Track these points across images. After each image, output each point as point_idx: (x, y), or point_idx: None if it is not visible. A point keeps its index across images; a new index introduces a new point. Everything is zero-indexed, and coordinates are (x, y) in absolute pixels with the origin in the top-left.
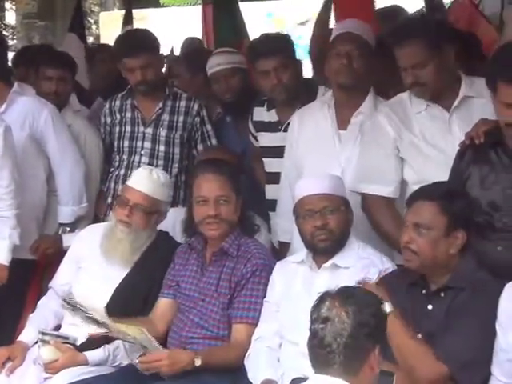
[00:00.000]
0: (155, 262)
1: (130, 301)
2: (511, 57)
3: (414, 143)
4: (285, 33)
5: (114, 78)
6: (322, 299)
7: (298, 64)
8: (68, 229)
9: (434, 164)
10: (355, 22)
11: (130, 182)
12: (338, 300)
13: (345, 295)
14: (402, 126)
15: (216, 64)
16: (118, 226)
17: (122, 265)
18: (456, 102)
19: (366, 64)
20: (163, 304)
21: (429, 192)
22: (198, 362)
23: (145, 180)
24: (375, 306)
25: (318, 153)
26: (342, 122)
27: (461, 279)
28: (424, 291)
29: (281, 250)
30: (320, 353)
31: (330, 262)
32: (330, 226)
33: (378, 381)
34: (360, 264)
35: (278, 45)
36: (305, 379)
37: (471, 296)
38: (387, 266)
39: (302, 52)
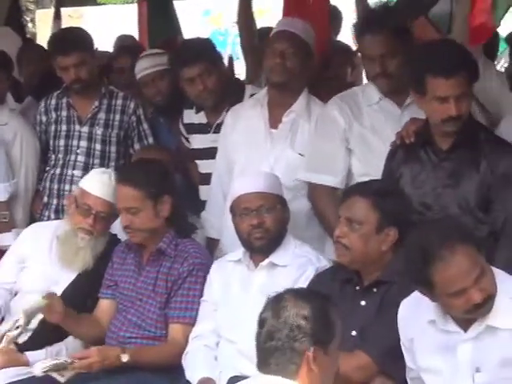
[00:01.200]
0: (105, 266)
1: (79, 303)
2: (435, 52)
3: (362, 135)
4: (206, 37)
5: (45, 77)
6: (265, 303)
7: (222, 67)
8: (6, 219)
9: (380, 157)
10: (294, 20)
11: (89, 188)
12: (272, 303)
13: (278, 299)
14: (353, 118)
15: (143, 68)
16: (79, 233)
17: (70, 269)
18: (409, 99)
19: (301, 63)
20: (103, 304)
21: (363, 188)
22: (124, 358)
23: (105, 186)
24: (308, 309)
25: (250, 151)
26: (274, 121)
27: (392, 274)
28: (357, 287)
29: (209, 246)
30: (258, 354)
31: (267, 261)
32: (266, 224)
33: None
34: (297, 262)
35: (201, 51)
36: (243, 377)
37: (400, 288)
38: (324, 263)
39: (240, 50)
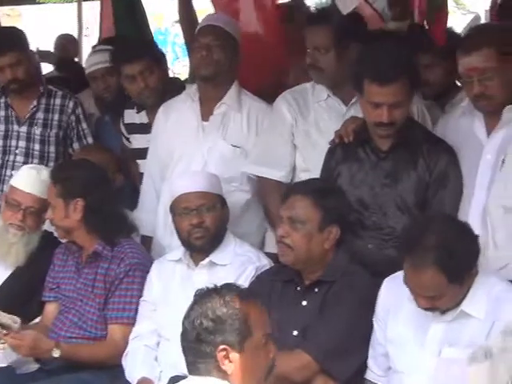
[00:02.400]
0: (40, 263)
1: (12, 302)
2: (376, 57)
3: (306, 131)
4: (149, 36)
5: None
6: None
7: (163, 66)
8: None
9: (322, 154)
10: (219, 15)
11: (17, 184)
12: (192, 304)
13: (196, 298)
14: (299, 114)
15: (94, 63)
16: (10, 229)
17: (4, 265)
18: (355, 98)
19: (228, 55)
20: (48, 307)
21: (303, 187)
22: (55, 354)
23: (33, 181)
24: (214, 308)
25: (183, 144)
26: (206, 114)
27: (333, 273)
28: (298, 288)
29: (144, 244)
30: (183, 354)
31: (207, 260)
32: (206, 223)
33: None
34: (237, 261)
35: (143, 49)
36: (183, 377)
37: (342, 287)
38: (264, 262)
39: (180, 50)
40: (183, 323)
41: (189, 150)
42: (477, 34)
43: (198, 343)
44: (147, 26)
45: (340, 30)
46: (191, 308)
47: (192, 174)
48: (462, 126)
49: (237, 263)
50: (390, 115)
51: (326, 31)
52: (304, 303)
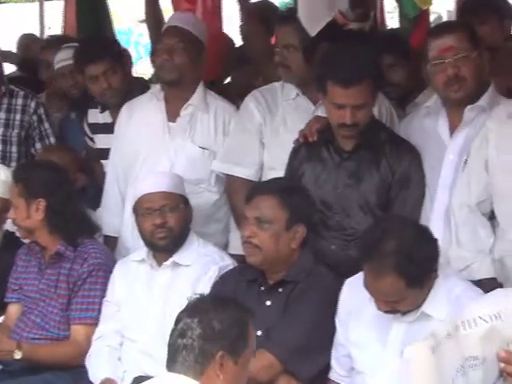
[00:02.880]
0: (2, 264)
1: None
2: (340, 58)
3: (275, 129)
4: (112, 35)
5: None
6: (187, 303)
7: (127, 66)
8: None
9: (288, 152)
10: (185, 15)
11: None
12: (192, 304)
13: (199, 300)
14: (268, 112)
15: (62, 59)
16: None
17: None
18: None
19: (191, 58)
20: (10, 308)
21: (268, 186)
22: (17, 355)
23: None
24: (225, 314)
25: (149, 145)
26: (172, 115)
27: (298, 273)
28: (262, 288)
29: (107, 245)
30: (168, 351)
31: (170, 260)
32: (169, 224)
33: None
34: (201, 261)
35: (106, 49)
36: (147, 377)
37: (306, 288)
38: (227, 262)
39: (143, 50)
40: (187, 320)
41: (155, 151)
42: (449, 22)
43: (199, 341)
44: (111, 25)
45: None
46: (200, 308)
47: (155, 175)
48: (426, 126)
49: (200, 263)
50: (353, 117)
51: (295, 30)
52: (268, 303)
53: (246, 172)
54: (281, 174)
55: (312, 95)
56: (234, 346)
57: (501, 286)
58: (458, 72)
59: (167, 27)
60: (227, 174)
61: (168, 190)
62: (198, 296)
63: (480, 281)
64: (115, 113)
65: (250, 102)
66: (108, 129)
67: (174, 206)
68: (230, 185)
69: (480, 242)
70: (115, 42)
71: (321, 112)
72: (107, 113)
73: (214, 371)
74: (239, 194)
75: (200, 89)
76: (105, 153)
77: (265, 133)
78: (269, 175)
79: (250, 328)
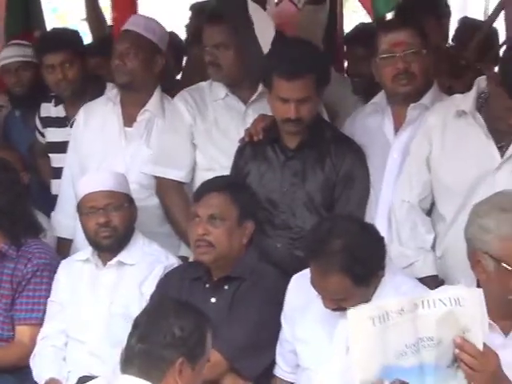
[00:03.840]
0: None
1: None
2: (286, 52)
3: (207, 130)
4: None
5: None
6: (145, 307)
7: (85, 60)
8: None
9: (224, 153)
10: (141, 18)
11: None
12: (152, 308)
13: (159, 305)
14: (198, 113)
15: (8, 56)
16: None
17: None
18: (254, 96)
19: (144, 62)
20: None
21: (216, 184)
22: None
23: None
24: (186, 321)
25: (104, 149)
26: (129, 119)
27: (243, 270)
28: (207, 285)
29: (61, 247)
30: (125, 354)
31: (115, 260)
32: (113, 223)
33: None
34: (145, 260)
35: (66, 40)
36: (92, 377)
37: (251, 285)
38: (172, 261)
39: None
40: (147, 324)
41: (110, 155)
42: (401, 17)
43: (158, 348)
44: (43, 23)
45: (236, 25)
46: (161, 313)
47: (98, 174)
48: (371, 124)
49: (145, 262)
50: (297, 111)
51: (224, 29)
52: (213, 300)
53: (177, 174)
54: (211, 174)
55: (242, 94)
56: (193, 352)
57: (442, 282)
58: (407, 67)
59: (122, 31)
60: (159, 177)
61: (112, 189)
62: (158, 300)
63: (422, 279)
64: (69, 107)
65: (179, 102)
66: (60, 123)
67: (119, 205)
68: (161, 186)
69: (421, 238)
70: (77, 36)
71: (252, 111)
72: (61, 107)
73: (172, 378)
74: (171, 195)
75: (157, 93)
76: (55, 146)
77: (196, 134)
78: (205, 176)
79: (208, 335)
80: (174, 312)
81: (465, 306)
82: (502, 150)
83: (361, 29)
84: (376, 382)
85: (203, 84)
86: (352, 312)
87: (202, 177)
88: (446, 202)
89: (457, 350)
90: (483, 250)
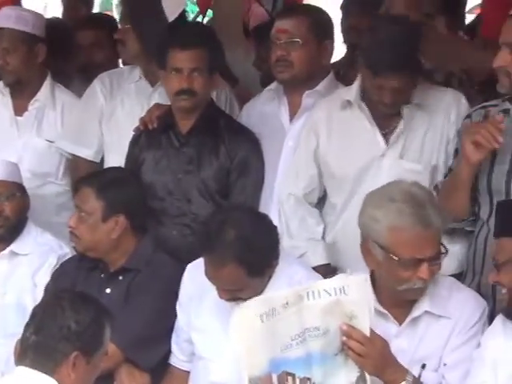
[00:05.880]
0: None
1: None
2: (182, 27)
3: (114, 113)
4: None
5: None
6: (42, 298)
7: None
8: None
9: (127, 136)
10: (10, 12)
11: None
12: (48, 300)
13: (56, 297)
14: (110, 93)
15: None
16: None
17: None
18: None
19: (26, 57)
20: None
21: (90, 178)
22: None
23: None
24: (82, 314)
25: None
26: (20, 109)
27: (138, 261)
28: (102, 275)
29: None
30: (21, 345)
31: (7, 250)
32: (5, 212)
33: None
34: (39, 250)
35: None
36: None
37: (147, 276)
38: (66, 251)
39: None
40: (43, 316)
41: (2, 145)
42: (297, 6)
43: (53, 340)
44: None
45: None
46: (56, 305)
47: None
48: (267, 111)
49: (38, 252)
50: (189, 81)
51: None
52: (108, 291)
53: (85, 152)
54: (119, 158)
55: (151, 79)
56: (88, 346)
57: (335, 270)
58: (286, 55)
59: None
60: (71, 154)
61: (2, 178)
62: (56, 292)
63: (315, 268)
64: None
65: (96, 83)
66: None
67: (10, 195)
68: (71, 163)
69: (310, 230)
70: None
71: (158, 94)
72: None
73: (66, 370)
74: (80, 173)
75: (47, 83)
76: None
77: (104, 115)
78: (110, 159)
79: (107, 329)
80: (71, 305)
81: (350, 294)
82: (386, 136)
83: None
84: (264, 377)
85: (126, 67)
86: (238, 311)
87: (108, 159)
88: (336, 191)
89: (344, 338)
90: (373, 239)
